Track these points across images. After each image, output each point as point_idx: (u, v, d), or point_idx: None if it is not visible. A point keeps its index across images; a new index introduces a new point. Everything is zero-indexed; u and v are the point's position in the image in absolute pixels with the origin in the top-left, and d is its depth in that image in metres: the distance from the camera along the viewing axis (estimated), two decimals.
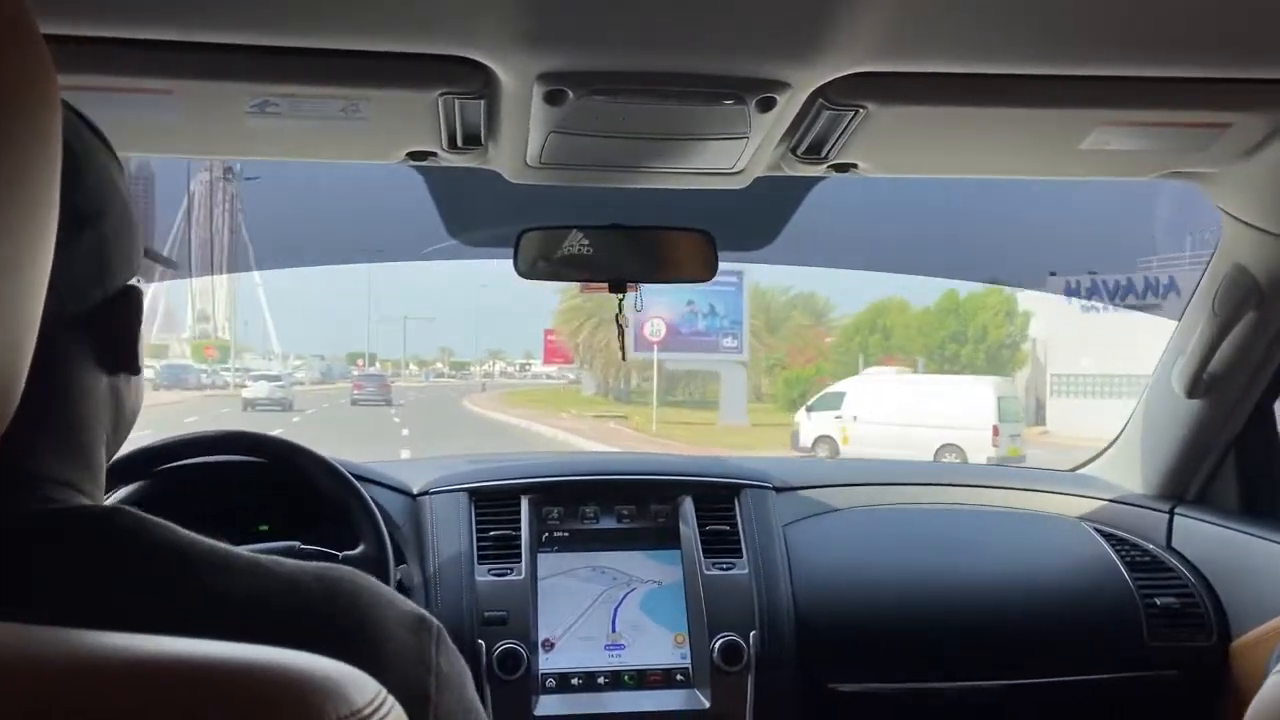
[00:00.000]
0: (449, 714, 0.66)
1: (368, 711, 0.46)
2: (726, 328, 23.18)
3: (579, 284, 1.65)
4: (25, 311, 0.46)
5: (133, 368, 0.69)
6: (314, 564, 0.66)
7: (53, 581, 0.58)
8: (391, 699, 0.50)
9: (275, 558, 0.65)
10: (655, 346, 21.04)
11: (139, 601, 0.60)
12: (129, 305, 0.67)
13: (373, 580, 0.67)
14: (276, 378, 27.47)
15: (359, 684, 0.48)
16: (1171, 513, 1.78)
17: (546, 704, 1.52)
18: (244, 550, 0.65)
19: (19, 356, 0.46)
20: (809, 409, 16.98)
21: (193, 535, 0.64)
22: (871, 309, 27.92)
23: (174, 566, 0.62)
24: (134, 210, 0.70)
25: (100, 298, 0.65)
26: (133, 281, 0.69)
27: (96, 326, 0.65)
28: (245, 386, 26.20)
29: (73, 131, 0.63)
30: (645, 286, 1.72)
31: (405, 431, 18.48)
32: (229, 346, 34.62)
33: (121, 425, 0.72)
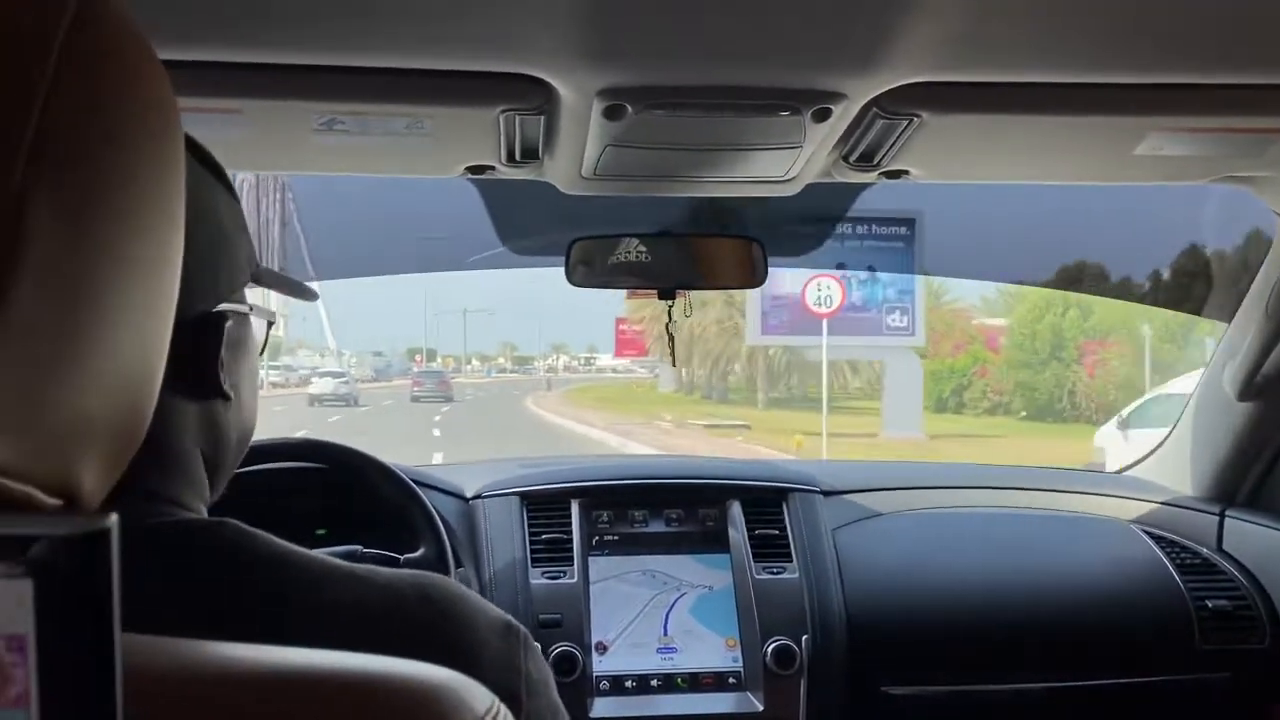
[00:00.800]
0: (538, 716, 0.68)
1: (487, 718, 0.48)
2: (893, 300, 17.14)
3: (626, 290, 1.67)
4: (157, 336, 0.48)
5: (216, 394, 0.70)
6: (409, 572, 0.69)
7: (161, 593, 0.61)
8: (502, 706, 0.52)
9: (370, 567, 0.68)
10: (824, 321, 14.90)
11: (244, 611, 0.63)
12: (206, 332, 0.68)
13: (463, 587, 0.70)
14: (341, 374, 28.49)
15: (476, 692, 0.50)
16: (1222, 515, 1.77)
17: (601, 706, 1.54)
18: (339, 560, 0.68)
19: (151, 383, 0.48)
20: (1123, 421, 11.06)
21: (291, 546, 0.67)
22: (1061, 276, 22.90)
23: (276, 577, 0.65)
24: (233, 234, 0.72)
25: (180, 323, 0.67)
26: (226, 308, 0.70)
27: (176, 352, 0.66)
28: (311, 383, 27.20)
29: None
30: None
31: (438, 457, 17.43)
32: (279, 343, 34.06)
33: (222, 449, 0.74)
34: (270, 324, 0.82)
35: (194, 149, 0.69)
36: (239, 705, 0.45)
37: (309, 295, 0.90)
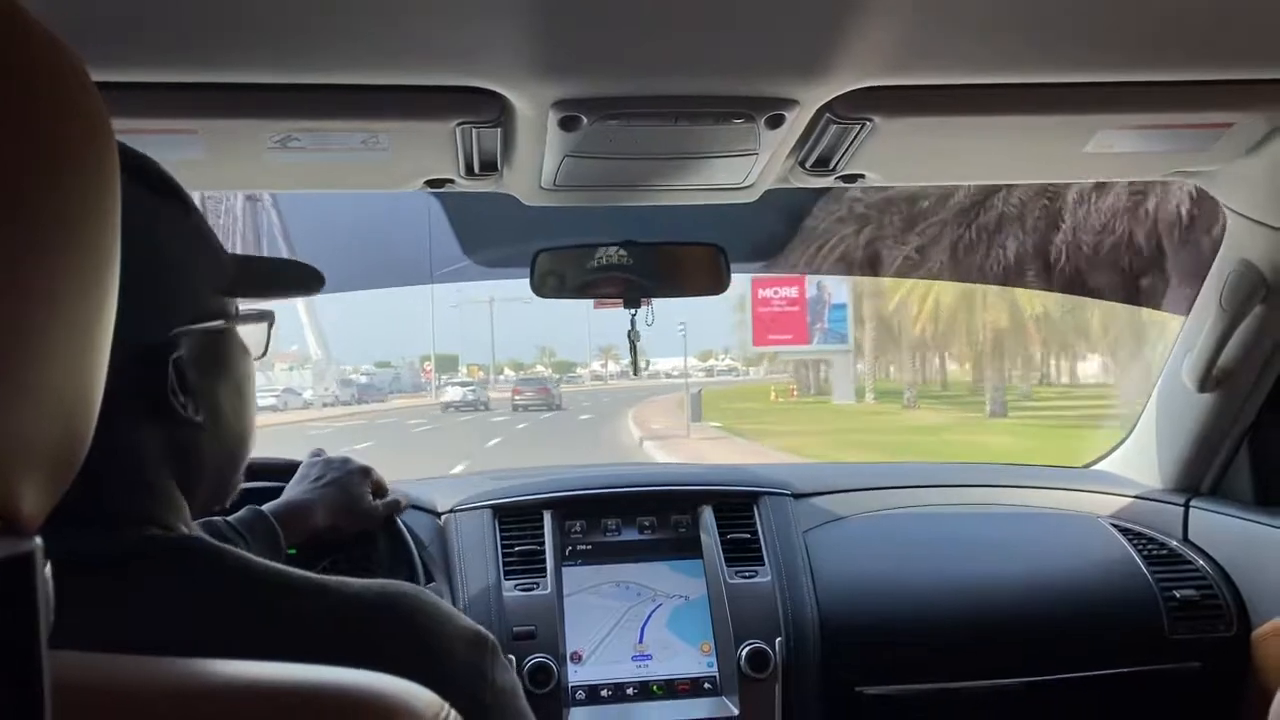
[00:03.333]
0: None
1: None
2: None
3: (594, 300, 1.68)
4: (93, 365, 0.48)
5: (178, 420, 0.69)
6: (378, 582, 0.69)
7: (135, 608, 0.61)
8: (452, 710, 0.52)
9: (340, 579, 0.68)
10: None
11: (213, 624, 0.63)
12: (155, 364, 0.68)
13: (431, 597, 0.70)
14: (469, 383, 34.16)
15: (423, 699, 0.51)
16: (1187, 506, 1.80)
17: (577, 716, 1.54)
18: (306, 573, 0.68)
19: (89, 409, 0.48)
20: None
21: (263, 560, 0.68)
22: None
23: (246, 590, 0.66)
24: (185, 258, 0.71)
25: (121, 358, 0.60)
26: (175, 334, 0.69)
27: (125, 383, 0.63)
28: (444, 391, 32.60)
29: None
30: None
31: None
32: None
33: (197, 470, 0.73)
34: (269, 323, 0.80)
35: (135, 168, 0.68)
36: (188, 718, 0.46)
37: (308, 283, 0.82)
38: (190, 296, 0.71)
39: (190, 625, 0.63)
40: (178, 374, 0.69)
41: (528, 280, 1.52)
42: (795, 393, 35.06)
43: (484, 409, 29.38)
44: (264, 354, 0.81)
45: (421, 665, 0.64)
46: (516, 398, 30.16)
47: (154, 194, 0.71)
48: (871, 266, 19.78)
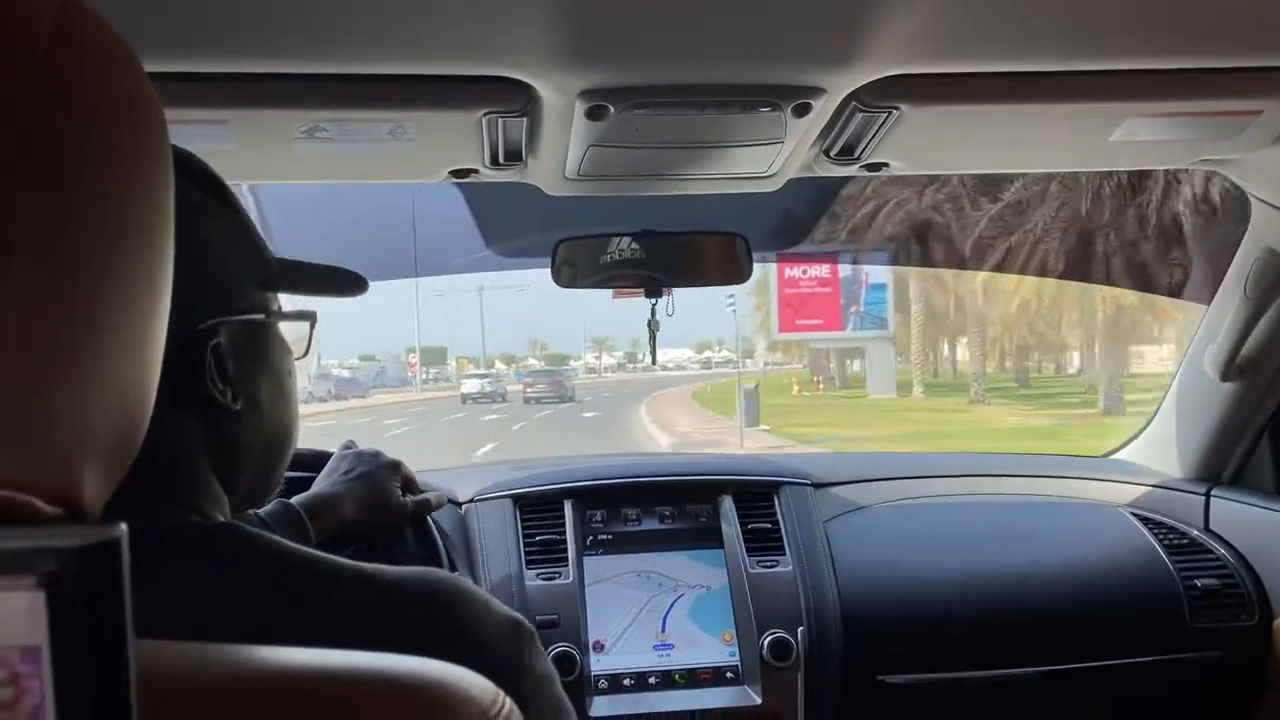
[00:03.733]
0: (541, 712, 0.70)
1: (493, 713, 0.49)
2: None
3: (613, 290, 1.68)
4: (150, 353, 0.48)
5: (214, 407, 0.70)
6: (416, 570, 0.69)
7: (172, 594, 0.62)
8: (509, 700, 0.53)
9: (378, 566, 0.68)
10: None
11: (250, 610, 0.64)
12: (194, 351, 0.69)
13: (469, 585, 0.71)
14: (487, 375, 34.62)
15: (479, 686, 0.51)
16: (1208, 495, 1.80)
17: (600, 704, 1.55)
18: (344, 560, 0.69)
19: (146, 397, 0.48)
20: None
21: (297, 547, 0.68)
22: None
23: (284, 577, 0.66)
24: (223, 251, 0.72)
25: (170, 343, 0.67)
26: (214, 323, 0.70)
27: (168, 371, 0.66)
28: (464, 383, 33.27)
29: None
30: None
31: None
32: None
33: (236, 459, 0.74)
34: (312, 323, 0.81)
35: (177, 160, 0.70)
36: (249, 706, 0.46)
37: (349, 288, 0.84)
38: (231, 288, 0.72)
39: (226, 611, 0.63)
40: (216, 361, 0.70)
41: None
42: (821, 385, 32.35)
43: (502, 400, 29.95)
44: (305, 353, 0.82)
45: (463, 654, 0.64)
46: (528, 390, 30.14)
47: (198, 188, 0.72)
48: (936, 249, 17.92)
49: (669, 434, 18.35)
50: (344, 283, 0.83)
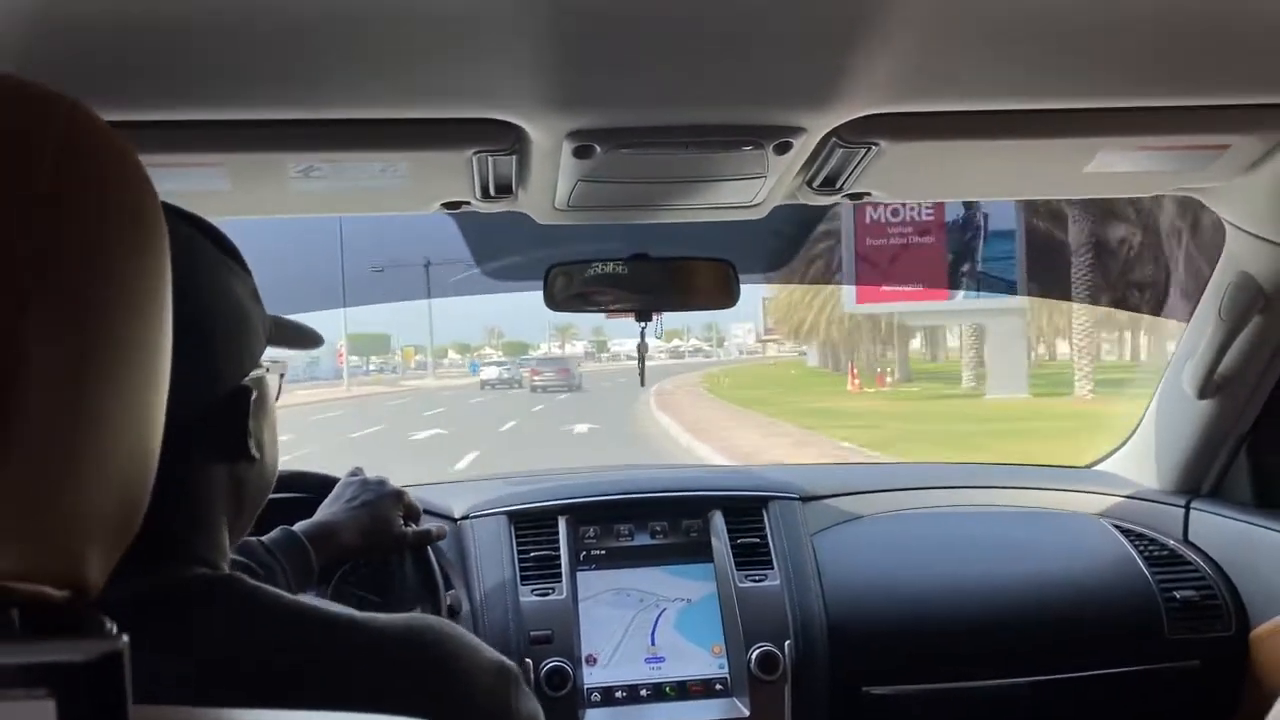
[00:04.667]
0: None
1: None
2: None
3: (605, 312, 1.71)
4: (149, 437, 0.51)
5: (244, 456, 0.75)
6: (404, 617, 0.73)
7: (175, 647, 0.66)
8: None
9: (370, 615, 0.72)
10: None
11: (252, 661, 0.68)
12: (239, 404, 0.74)
13: (457, 630, 0.75)
14: (504, 363, 36.80)
15: None
16: (1187, 507, 1.83)
17: (593, 717, 1.59)
18: (338, 609, 0.73)
19: (145, 478, 0.51)
20: None
21: (295, 598, 0.72)
22: None
23: (282, 628, 0.70)
24: (250, 309, 0.77)
25: (209, 402, 0.72)
26: (249, 379, 0.75)
27: (208, 425, 0.72)
28: (483, 370, 35.54)
29: (181, 246, 0.70)
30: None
31: None
32: None
33: (244, 507, 0.79)
34: (282, 374, 0.86)
35: (207, 232, 0.75)
36: None
37: (315, 342, 0.94)
38: (256, 344, 0.78)
39: (230, 659, 0.67)
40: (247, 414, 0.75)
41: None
42: (889, 376, 25.84)
43: (518, 386, 30.95)
44: (277, 398, 0.87)
45: (450, 698, 0.69)
46: (535, 379, 30.32)
47: (223, 251, 0.76)
48: None
49: (730, 455, 13.09)
50: (314, 339, 0.91)
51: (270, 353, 0.82)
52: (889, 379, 25.45)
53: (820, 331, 29.83)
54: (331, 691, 0.65)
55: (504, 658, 0.76)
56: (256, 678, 0.66)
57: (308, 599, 0.75)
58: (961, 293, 17.77)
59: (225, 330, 0.73)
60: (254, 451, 0.75)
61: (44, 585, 0.43)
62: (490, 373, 34.36)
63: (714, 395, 25.22)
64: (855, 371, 25.47)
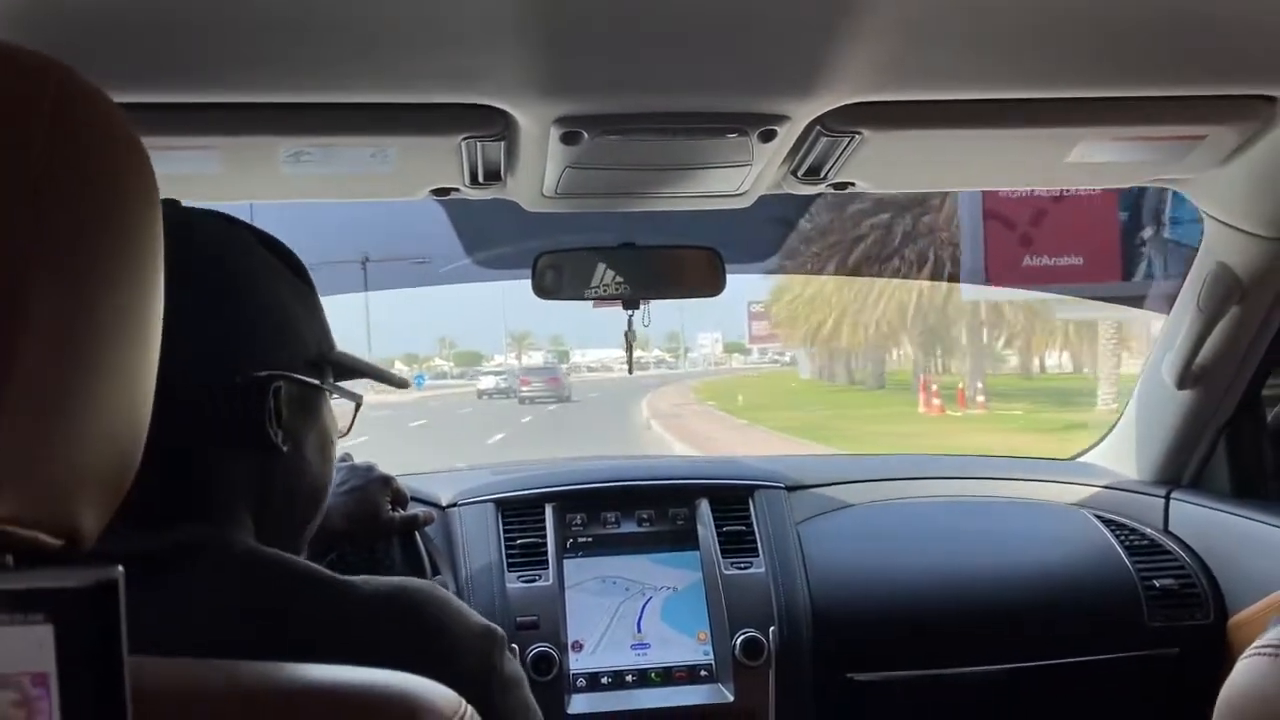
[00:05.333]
0: (510, 711, 0.76)
1: (455, 719, 0.55)
2: None
3: (593, 300, 1.73)
4: (140, 395, 0.52)
5: (263, 446, 0.78)
6: (394, 581, 0.76)
7: (176, 601, 0.68)
8: (470, 708, 0.58)
9: (363, 577, 0.75)
10: None
11: (246, 615, 0.70)
12: (255, 394, 0.77)
13: (443, 594, 0.78)
14: (501, 373, 35.73)
15: (444, 697, 0.57)
16: (1168, 497, 1.86)
17: (578, 702, 1.60)
18: (330, 573, 0.75)
19: (137, 435, 0.52)
20: None
21: (293, 558, 0.75)
22: None
23: (277, 585, 0.73)
24: (294, 313, 0.81)
25: (227, 387, 0.75)
26: (274, 374, 0.78)
27: (230, 405, 0.76)
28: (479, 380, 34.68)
29: (242, 249, 0.78)
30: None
31: None
32: None
33: (273, 501, 0.81)
34: (357, 405, 0.91)
35: (272, 247, 0.81)
36: (226, 718, 0.52)
37: (398, 383, 0.99)
38: (296, 351, 0.81)
39: (225, 616, 0.70)
40: (275, 406, 0.78)
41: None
42: (982, 400, 19.94)
43: (513, 396, 30.12)
44: (348, 431, 0.92)
45: (437, 657, 0.71)
46: (525, 388, 29.48)
47: (284, 263, 0.82)
48: None
49: None
50: (391, 379, 0.98)
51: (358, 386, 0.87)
52: (978, 396, 20.45)
53: (844, 335, 26.31)
54: (323, 647, 0.67)
55: (489, 622, 0.78)
56: (248, 631, 0.68)
57: (308, 563, 0.77)
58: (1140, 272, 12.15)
59: (251, 321, 0.77)
60: (277, 441, 0.78)
61: (39, 532, 0.45)
62: (488, 382, 33.91)
63: (731, 414, 21.59)
64: (931, 388, 20.01)
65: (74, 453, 0.46)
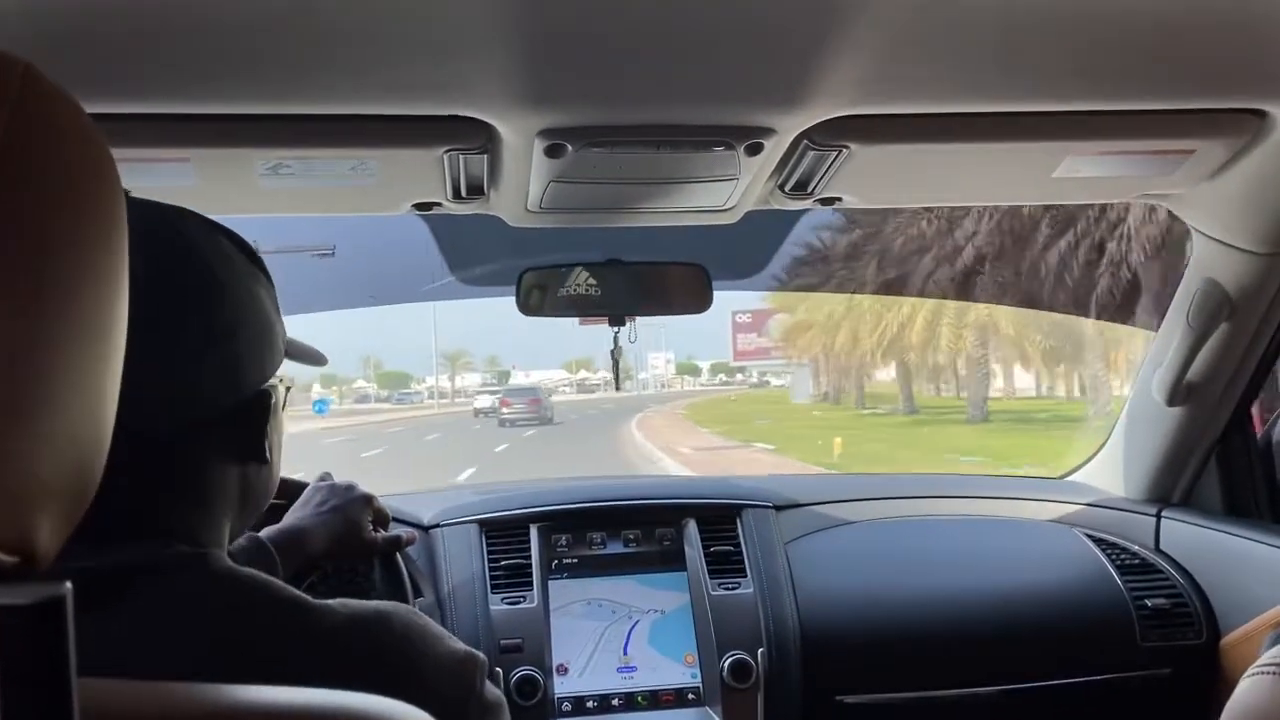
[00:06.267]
0: None
1: None
2: None
3: (579, 318, 1.71)
4: (102, 408, 0.49)
5: (259, 459, 0.78)
6: (374, 604, 0.74)
7: (146, 619, 0.67)
8: None
9: (341, 600, 0.73)
10: None
11: (221, 635, 0.68)
12: (259, 408, 0.76)
13: (423, 619, 0.75)
14: (496, 392, 35.04)
15: (416, 718, 0.54)
16: (1158, 516, 1.84)
17: None
18: (305, 596, 0.73)
19: (99, 449, 0.50)
20: None
21: (269, 579, 0.72)
22: None
23: (254, 605, 0.71)
24: (274, 319, 0.79)
25: (232, 403, 0.75)
26: (268, 385, 0.78)
27: (228, 425, 0.75)
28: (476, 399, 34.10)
29: (220, 258, 0.75)
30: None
31: None
32: None
33: (248, 506, 0.81)
34: (288, 388, 0.89)
35: (240, 245, 0.79)
36: None
37: (321, 361, 0.98)
38: (278, 353, 0.80)
39: (200, 634, 0.68)
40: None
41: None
42: None
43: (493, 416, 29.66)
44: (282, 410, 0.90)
45: (415, 682, 0.68)
46: (505, 410, 28.52)
47: (254, 265, 0.79)
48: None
49: None
50: (319, 358, 0.97)
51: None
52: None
53: (878, 353, 23.59)
54: (297, 671, 0.65)
55: (469, 648, 0.76)
56: (223, 652, 0.66)
57: (283, 584, 0.75)
58: None
59: (252, 337, 0.76)
60: (266, 452, 0.78)
61: None
62: (484, 401, 33.60)
63: (758, 443, 19.30)
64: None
65: (31, 470, 0.44)
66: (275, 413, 0.80)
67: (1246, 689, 0.73)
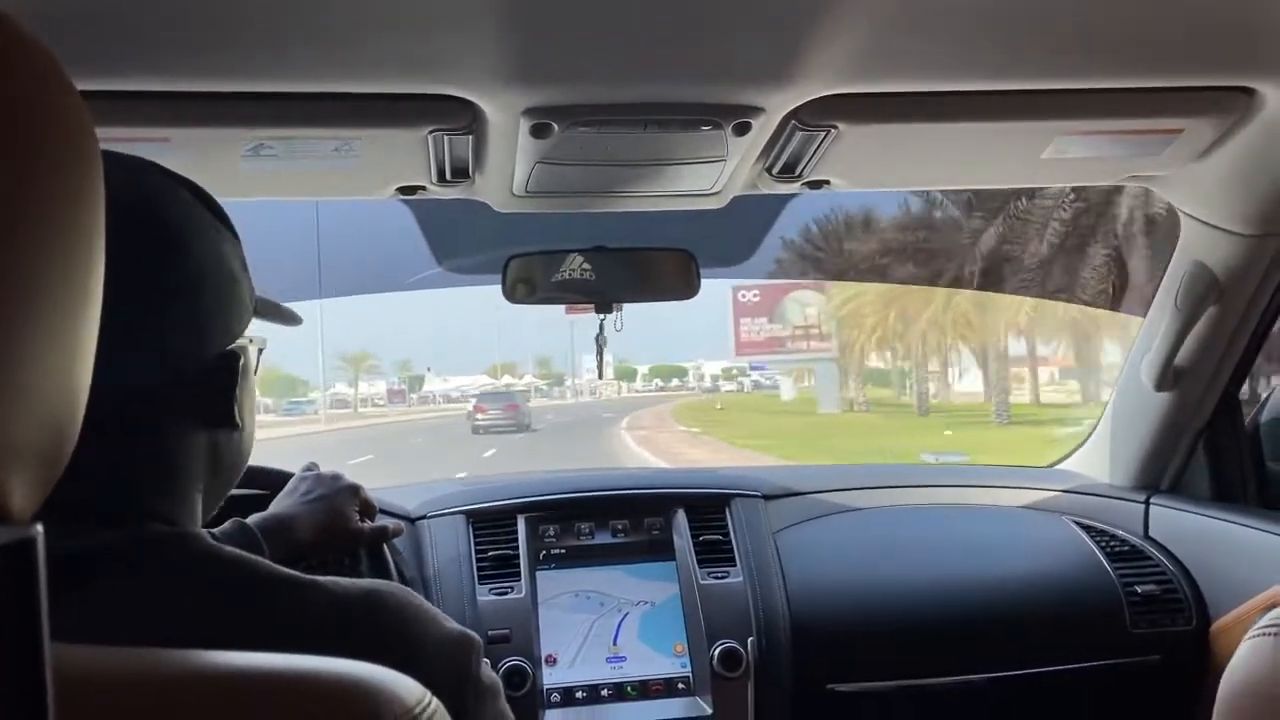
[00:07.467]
0: (483, 718, 0.72)
1: (418, 711, 0.51)
2: None
3: (565, 305, 1.70)
4: (78, 365, 0.48)
5: (229, 424, 0.74)
6: (366, 582, 0.72)
7: (132, 600, 0.65)
8: (436, 701, 0.54)
9: (331, 578, 0.71)
10: None
11: (204, 616, 0.67)
12: (226, 369, 0.73)
13: (417, 598, 0.73)
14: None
15: (408, 687, 0.53)
16: (1147, 503, 1.84)
17: (552, 717, 1.55)
18: (296, 573, 0.71)
19: (75, 407, 0.48)
20: None
21: (255, 557, 0.71)
22: None
23: (240, 584, 0.69)
24: (240, 275, 0.76)
25: (198, 363, 0.72)
26: (236, 345, 0.75)
27: (195, 388, 0.72)
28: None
29: (182, 210, 0.72)
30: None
31: None
32: None
33: (221, 474, 0.78)
34: (260, 349, 0.86)
35: (202, 198, 0.76)
36: (175, 707, 0.47)
37: (295, 320, 0.94)
38: (245, 312, 0.77)
39: (182, 615, 0.66)
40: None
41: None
42: None
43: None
44: (255, 371, 0.87)
45: (407, 659, 0.66)
46: (480, 417, 26.79)
47: (217, 219, 0.76)
48: None
49: None
50: (294, 318, 0.93)
51: (252, 327, 0.82)
52: None
53: (943, 339, 20.72)
54: (288, 647, 0.63)
55: (465, 628, 0.74)
56: (208, 630, 0.63)
57: (269, 562, 0.73)
58: None
59: (217, 294, 0.73)
60: (236, 417, 0.75)
61: None
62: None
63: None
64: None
65: (3, 421, 0.42)
66: (246, 375, 0.76)
67: (1247, 652, 0.73)
